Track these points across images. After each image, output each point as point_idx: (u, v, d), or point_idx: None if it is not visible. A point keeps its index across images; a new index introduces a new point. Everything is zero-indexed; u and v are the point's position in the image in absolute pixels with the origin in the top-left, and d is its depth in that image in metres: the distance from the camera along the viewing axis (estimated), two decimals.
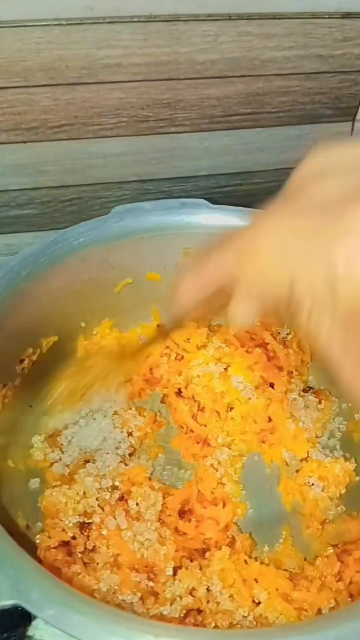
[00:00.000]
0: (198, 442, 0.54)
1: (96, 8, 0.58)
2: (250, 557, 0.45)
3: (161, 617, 0.34)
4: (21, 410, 0.52)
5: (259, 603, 0.41)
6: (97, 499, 0.44)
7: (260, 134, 0.71)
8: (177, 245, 0.56)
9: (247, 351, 0.56)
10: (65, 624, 0.28)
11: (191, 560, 0.43)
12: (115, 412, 0.54)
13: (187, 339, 0.59)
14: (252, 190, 0.77)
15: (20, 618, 0.44)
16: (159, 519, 0.45)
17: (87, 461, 0.49)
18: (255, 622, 0.38)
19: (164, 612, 0.35)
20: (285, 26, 0.64)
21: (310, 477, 0.51)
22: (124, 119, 0.66)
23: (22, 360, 0.50)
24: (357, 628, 0.28)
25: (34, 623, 0.30)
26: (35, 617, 0.31)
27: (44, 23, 0.58)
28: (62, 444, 0.52)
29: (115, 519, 0.43)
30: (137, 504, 0.45)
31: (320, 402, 0.56)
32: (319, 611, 0.40)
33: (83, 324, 0.56)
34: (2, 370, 0.48)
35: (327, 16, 0.64)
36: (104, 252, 0.52)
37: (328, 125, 0.73)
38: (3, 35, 0.58)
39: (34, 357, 0.52)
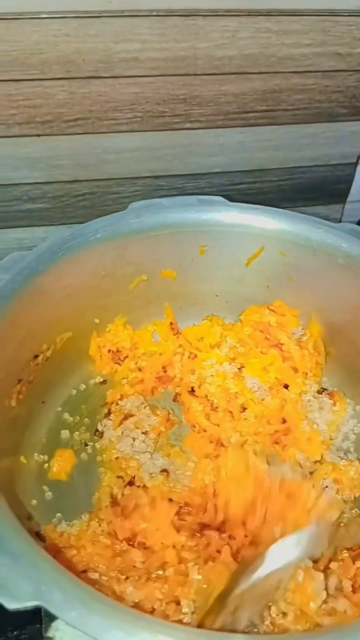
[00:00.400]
0: (211, 442, 0.53)
1: (114, 1, 0.58)
2: None
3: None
4: (34, 406, 0.51)
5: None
6: None
7: (275, 131, 0.71)
8: (194, 242, 0.55)
9: (261, 352, 0.56)
10: (87, 626, 0.27)
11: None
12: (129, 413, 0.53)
13: (201, 338, 0.58)
14: (266, 188, 0.76)
15: (32, 616, 0.43)
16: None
17: None
18: (271, 626, 0.38)
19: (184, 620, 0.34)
20: (304, 23, 0.63)
21: (324, 479, 0.51)
22: (139, 114, 0.66)
23: (36, 356, 0.50)
24: None
25: (53, 624, 0.30)
26: (55, 619, 0.30)
27: (62, 15, 0.58)
28: None
29: None
30: None
31: (334, 404, 0.55)
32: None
33: (97, 321, 0.55)
34: (17, 366, 0.47)
35: (346, 14, 0.64)
36: (120, 248, 0.52)
37: (344, 124, 0.73)
38: (21, 27, 0.58)
39: (48, 354, 0.51)
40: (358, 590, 0.41)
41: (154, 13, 0.59)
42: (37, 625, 0.37)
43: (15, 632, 0.46)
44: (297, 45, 0.65)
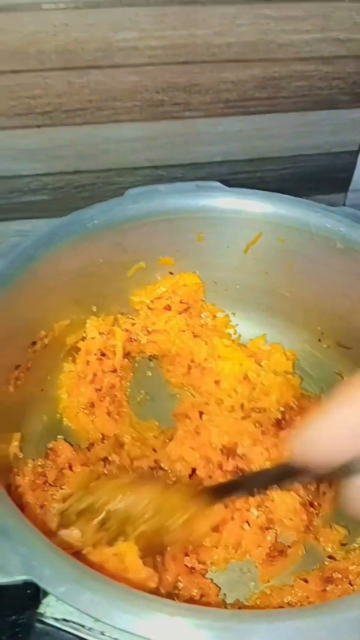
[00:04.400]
0: None
1: None
2: None
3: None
4: (33, 393, 0.52)
5: None
6: None
7: (276, 119, 0.71)
8: (192, 228, 0.55)
9: None
10: (76, 601, 0.28)
11: None
12: None
13: None
14: (267, 176, 0.76)
15: (29, 600, 0.44)
16: None
17: None
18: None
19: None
20: (304, 9, 0.63)
21: None
22: (138, 103, 0.66)
23: (34, 343, 0.50)
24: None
25: (44, 601, 0.30)
26: (46, 595, 0.30)
27: (60, 5, 0.58)
28: None
29: None
30: None
31: None
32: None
33: (94, 308, 0.55)
34: (15, 351, 0.47)
35: None
36: (117, 234, 0.52)
37: (345, 112, 0.72)
38: (19, 18, 0.58)
39: (46, 340, 0.51)
40: None
41: (152, 2, 0.59)
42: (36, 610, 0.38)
43: (13, 617, 0.47)
44: (296, 32, 0.64)
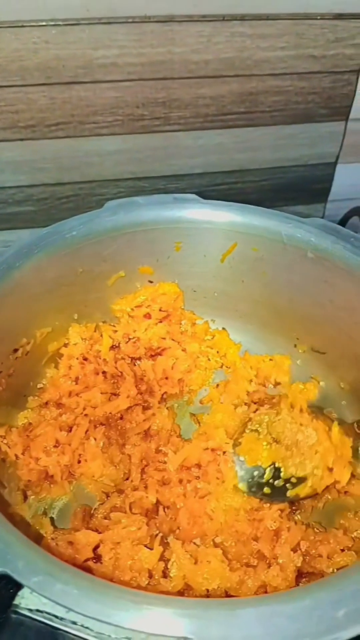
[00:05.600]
0: None
1: (92, 9, 0.60)
2: None
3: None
4: (16, 400, 0.53)
5: None
6: None
7: (254, 132, 0.73)
8: (170, 239, 0.57)
9: None
10: (48, 592, 0.29)
11: None
12: None
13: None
14: (247, 188, 0.78)
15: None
16: None
17: None
18: None
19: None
20: (278, 27, 0.65)
21: None
22: (119, 117, 0.68)
23: (15, 350, 0.51)
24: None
25: (20, 593, 0.31)
26: (21, 587, 0.32)
27: (41, 23, 0.60)
28: None
29: None
30: None
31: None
32: None
33: (76, 316, 0.57)
34: None
35: (319, 17, 0.66)
36: (96, 245, 0.53)
37: (321, 125, 0.75)
38: (1, 36, 0.60)
39: (28, 348, 0.53)
40: None
41: (130, 20, 0.61)
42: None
43: None
44: (272, 49, 0.67)
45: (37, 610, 0.31)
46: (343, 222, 0.75)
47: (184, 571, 0.42)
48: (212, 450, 0.51)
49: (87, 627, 0.31)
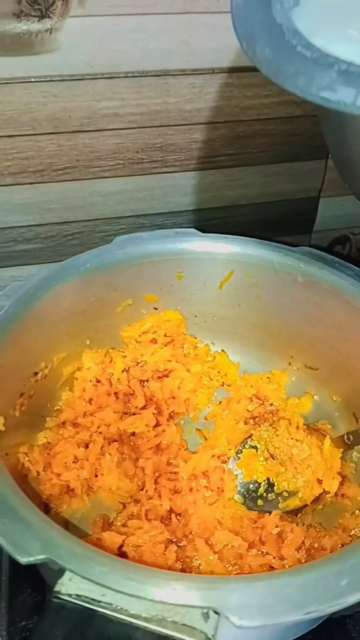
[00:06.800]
0: None
1: (95, 65, 0.65)
2: None
3: None
4: (36, 420, 0.57)
5: None
6: None
7: (243, 171, 0.79)
8: (172, 269, 0.62)
9: None
10: (88, 573, 0.33)
11: None
12: None
13: None
14: (238, 221, 0.83)
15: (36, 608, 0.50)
16: None
17: None
18: None
19: None
20: (262, 77, 0.67)
21: None
22: (120, 161, 0.73)
23: (36, 373, 0.56)
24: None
25: (59, 580, 0.35)
26: (61, 576, 0.36)
27: (49, 79, 0.65)
28: None
29: None
30: None
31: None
32: None
33: (88, 342, 0.62)
34: (19, 380, 0.53)
35: None
36: (107, 276, 0.59)
37: (304, 163, 0.81)
38: (13, 90, 0.65)
39: (46, 371, 0.57)
40: None
41: (130, 74, 0.67)
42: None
43: (23, 623, 0.52)
44: (257, 97, 0.73)
45: (76, 595, 0.35)
46: (329, 250, 0.81)
47: (211, 567, 0.46)
48: (218, 457, 0.55)
49: (122, 608, 0.35)
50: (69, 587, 0.35)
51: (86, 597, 0.35)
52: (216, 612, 0.33)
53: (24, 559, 0.34)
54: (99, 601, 0.35)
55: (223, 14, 0.66)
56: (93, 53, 0.64)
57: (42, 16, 0.60)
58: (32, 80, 0.65)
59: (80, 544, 0.36)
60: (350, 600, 0.33)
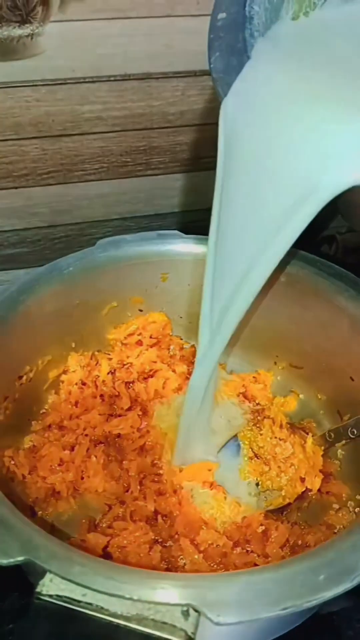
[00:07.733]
0: None
1: (78, 69, 0.66)
2: None
3: None
4: (21, 423, 0.58)
5: None
6: None
7: None
8: (156, 271, 0.63)
9: None
10: (69, 574, 0.34)
11: None
12: None
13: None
14: None
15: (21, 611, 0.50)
16: None
17: None
18: None
19: None
20: None
21: None
22: (105, 164, 0.74)
23: (20, 377, 0.56)
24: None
25: (40, 582, 0.35)
26: (42, 577, 0.36)
27: (32, 84, 0.66)
28: None
29: None
30: None
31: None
32: None
33: (73, 345, 0.62)
34: (4, 384, 0.54)
35: None
36: (91, 279, 0.59)
37: None
38: None
39: (31, 375, 0.58)
40: None
41: (112, 78, 0.68)
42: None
43: (10, 626, 0.52)
44: None
45: (57, 596, 0.35)
46: (316, 249, 0.82)
47: (196, 566, 0.47)
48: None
49: (102, 608, 0.35)
50: (49, 587, 0.35)
51: (67, 597, 0.35)
52: (196, 610, 0.33)
53: (3, 560, 0.34)
54: (80, 601, 0.35)
55: (204, 17, 0.66)
56: (75, 57, 0.64)
57: (23, 21, 0.60)
58: (15, 85, 0.65)
59: (60, 544, 0.36)
60: (327, 595, 0.33)
